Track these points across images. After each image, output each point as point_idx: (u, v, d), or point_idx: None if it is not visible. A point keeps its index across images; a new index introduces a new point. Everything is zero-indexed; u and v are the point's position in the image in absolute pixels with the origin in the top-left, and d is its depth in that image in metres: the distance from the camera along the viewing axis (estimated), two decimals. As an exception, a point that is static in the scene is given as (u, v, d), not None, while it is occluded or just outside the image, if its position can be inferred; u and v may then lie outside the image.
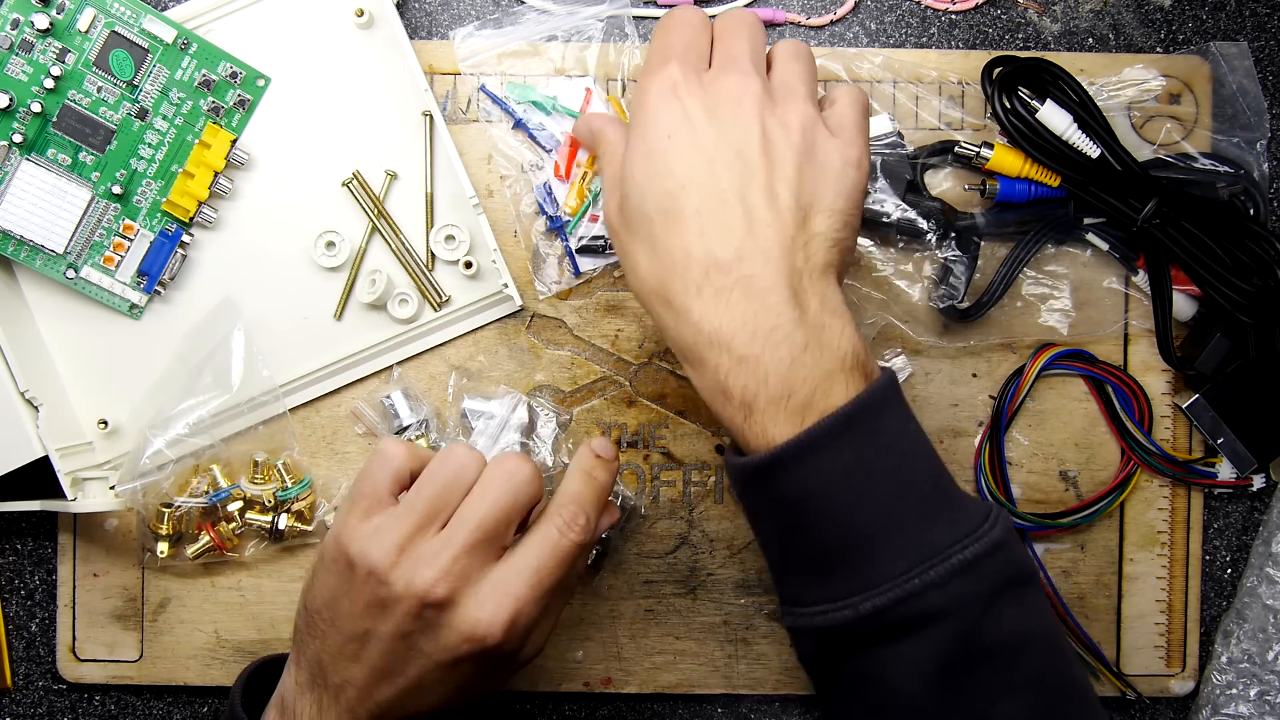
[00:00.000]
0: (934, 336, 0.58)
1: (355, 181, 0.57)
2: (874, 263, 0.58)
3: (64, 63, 0.51)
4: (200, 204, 0.55)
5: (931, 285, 0.58)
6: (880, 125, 0.57)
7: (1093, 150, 0.55)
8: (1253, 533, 0.60)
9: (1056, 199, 0.56)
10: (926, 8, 0.60)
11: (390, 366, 0.59)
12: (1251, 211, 0.57)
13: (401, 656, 0.45)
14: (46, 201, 0.52)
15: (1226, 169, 0.57)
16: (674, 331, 0.45)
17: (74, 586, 0.59)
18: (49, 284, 0.57)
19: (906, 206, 0.56)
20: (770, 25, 0.60)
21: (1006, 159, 0.56)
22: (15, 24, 0.51)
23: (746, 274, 0.43)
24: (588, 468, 0.50)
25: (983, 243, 0.57)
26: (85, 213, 0.53)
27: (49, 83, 0.51)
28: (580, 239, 0.58)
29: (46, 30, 0.51)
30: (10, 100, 0.51)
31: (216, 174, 0.55)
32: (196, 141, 0.55)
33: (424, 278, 0.58)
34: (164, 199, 0.55)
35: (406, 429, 0.57)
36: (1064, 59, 0.58)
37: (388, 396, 0.58)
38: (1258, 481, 0.59)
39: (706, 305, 0.44)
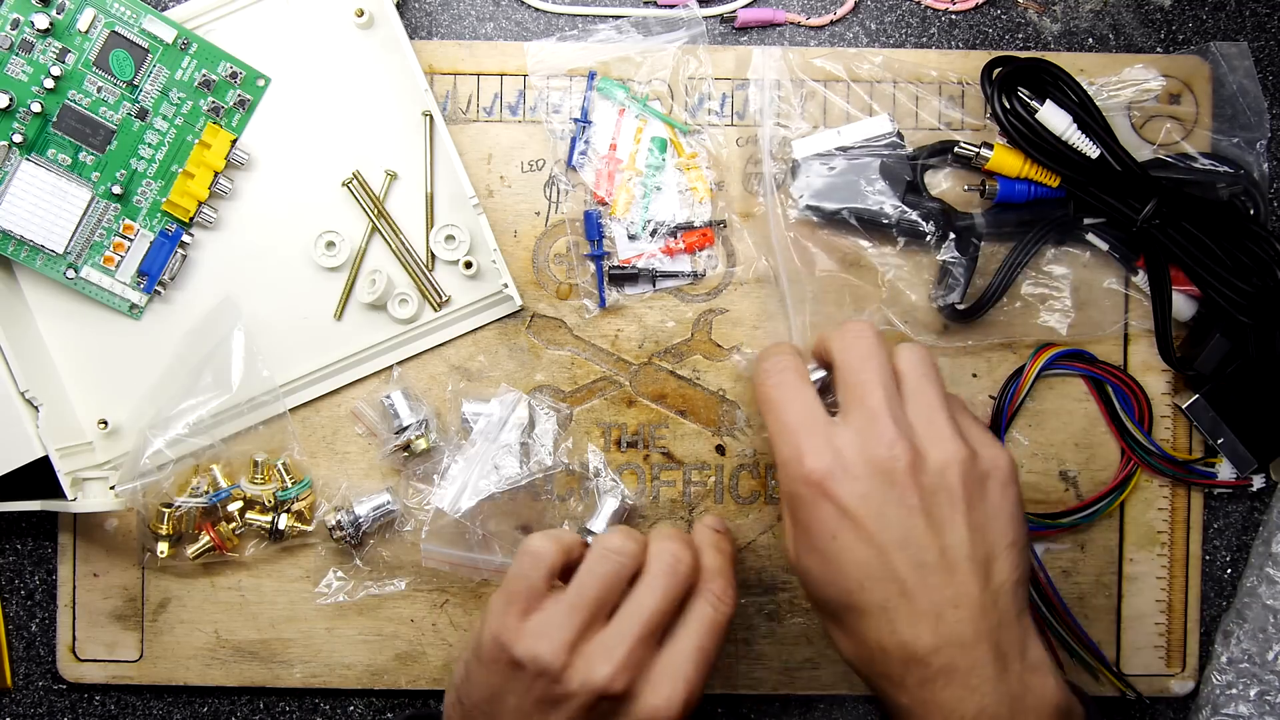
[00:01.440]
0: (933, 336, 0.58)
1: (355, 181, 0.57)
2: (873, 263, 0.58)
3: (64, 63, 0.52)
4: (200, 204, 0.55)
5: (931, 286, 0.58)
6: (880, 125, 0.57)
7: (1092, 150, 0.55)
8: (1253, 533, 0.60)
9: (1056, 199, 0.56)
10: (926, 8, 0.60)
11: (390, 366, 0.59)
12: (1251, 211, 0.57)
13: None
14: (46, 201, 0.52)
15: (1226, 169, 0.57)
16: (883, 701, 0.47)
17: (74, 586, 0.59)
18: (49, 284, 0.57)
19: (906, 207, 0.56)
20: (770, 25, 0.60)
21: (1006, 159, 0.56)
22: (15, 24, 0.51)
23: (946, 664, 0.44)
24: (713, 542, 0.51)
25: (982, 244, 0.57)
26: (85, 213, 0.53)
27: (49, 83, 0.51)
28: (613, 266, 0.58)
29: (46, 30, 0.51)
30: (10, 100, 0.51)
31: (216, 174, 0.55)
32: (196, 141, 0.55)
33: (424, 278, 0.58)
34: (164, 199, 0.55)
35: (406, 429, 0.57)
36: (1064, 59, 0.58)
37: (387, 396, 0.58)
38: (1257, 481, 0.59)
39: (913, 694, 0.44)
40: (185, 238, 0.56)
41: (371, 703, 0.61)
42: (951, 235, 0.57)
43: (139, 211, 0.55)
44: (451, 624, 0.59)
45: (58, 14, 0.52)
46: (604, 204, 0.58)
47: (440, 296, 0.58)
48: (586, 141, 0.58)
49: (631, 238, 0.58)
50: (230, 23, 0.56)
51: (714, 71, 0.58)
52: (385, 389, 0.58)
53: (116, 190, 0.54)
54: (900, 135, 0.57)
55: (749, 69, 0.58)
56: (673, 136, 0.58)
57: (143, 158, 0.54)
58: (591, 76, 0.58)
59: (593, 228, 0.58)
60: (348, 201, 0.58)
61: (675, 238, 0.58)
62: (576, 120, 0.58)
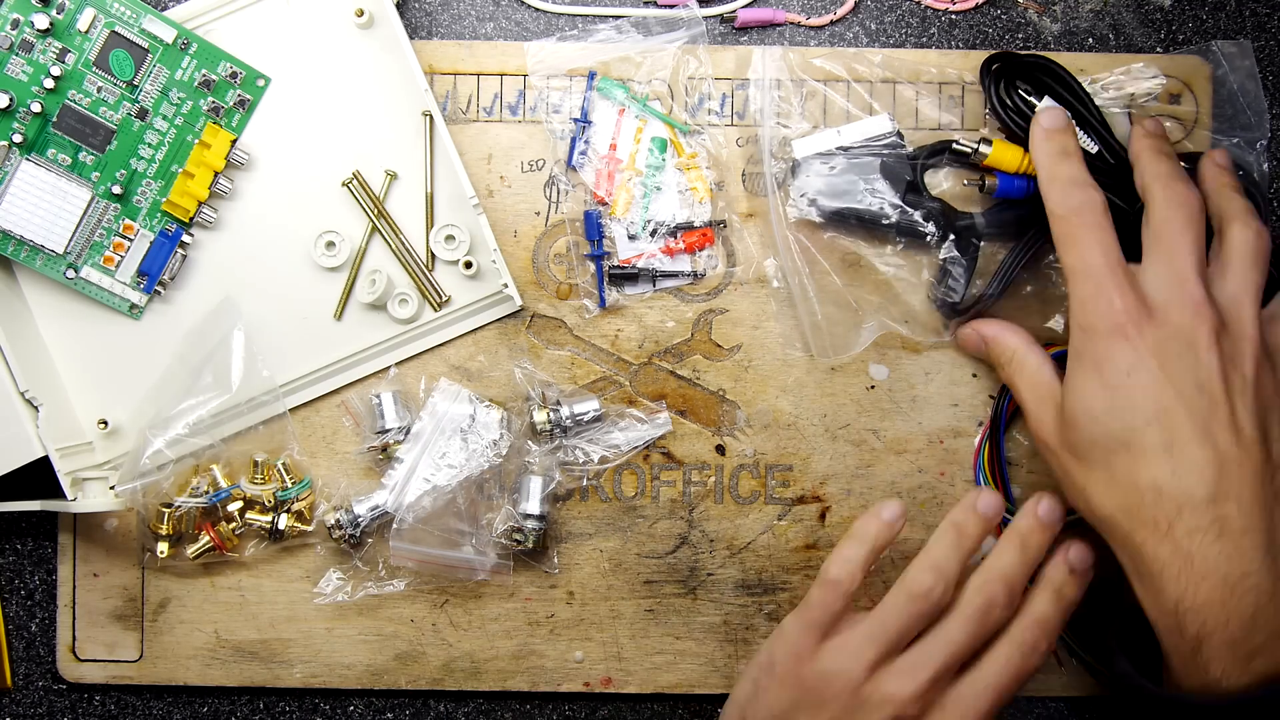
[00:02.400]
0: (934, 336, 0.58)
1: (355, 181, 0.57)
2: (874, 264, 0.58)
3: (64, 63, 0.52)
4: (200, 204, 0.55)
5: (931, 285, 0.58)
6: (880, 125, 0.57)
7: (1090, 146, 0.55)
8: (1253, 533, 0.60)
9: None
10: (926, 8, 0.60)
11: (389, 367, 0.59)
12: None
13: None
14: (46, 201, 0.52)
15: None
16: (1135, 555, 0.46)
17: (74, 586, 0.59)
18: (49, 284, 0.57)
19: (906, 207, 0.56)
20: (770, 25, 0.60)
21: (1005, 154, 0.56)
22: (15, 24, 0.51)
23: (1222, 514, 0.44)
24: (1057, 586, 0.51)
25: (982, 243, 0.57)
26: (85, 213, 0.53)
27: (49, 83, 0.52)
28: (613, 266, 0.58)
29: (46, 30, 0.51)
30: (10, 100, 0.51)
31: (216, 174, 0.55)
32: (196, 142, 0.55)
33: (424, 278, 0.58)
34: (164, 199, 0.55)
35: (387, 431, 0.57)
36: (1064, 59, 0.58)
37: (377, 395, 0.57)
38: None
39: (1178, 543, 0.44)
40: (185, 238, 0.56)
41: (371, 703, 0.61)
42: (951, 235, 0.57)
43: (139, 211, 0.55)
44: (451, 624, 0.59)
45: (58, 14, 0.52)
46: (604, 204, 0.58)
47: (440, 296, 0.58)
48: (586, 141, 0.58)
49: (631, 238, 0.58)
50: (230, 23, 0.56)
51: (714, 71, 0.58)
52: (383, 388, 0.58)
53: (116, 190, 0.54)
54: (900, 135, 0.57)
55: (749, 69, 0.58)
56: (673, 136, 0.58)
57: (143, 157, 0.54)
58: (591, 76, 0.58)
59: (593, 228, 0.58)
60: (348, 201, 0.58)
61: (675, 238, 0.58)
62: (576, 120, 0.58)
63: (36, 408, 0.54)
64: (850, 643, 0.48)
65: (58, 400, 0.57)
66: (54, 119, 0.52)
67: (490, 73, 0.59)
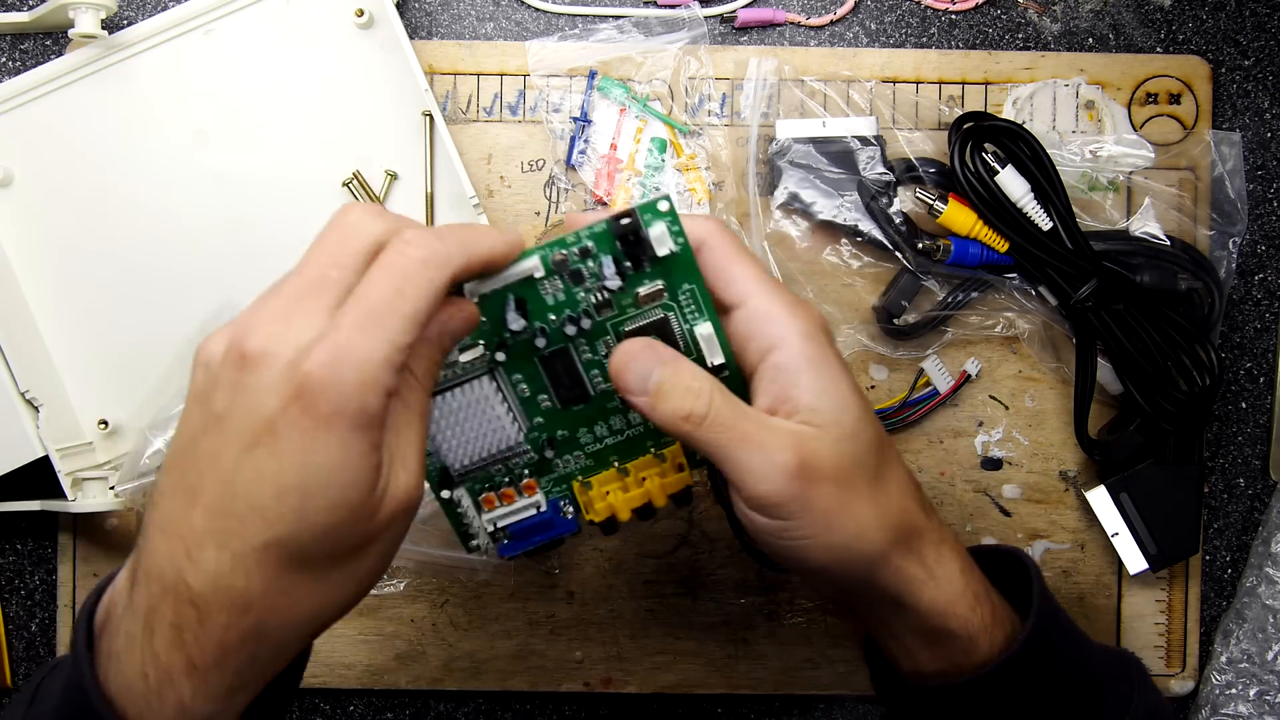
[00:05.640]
0: (889, 347, 0.58)
1: (355, 181, 0.57)
2: (839, 275, 0.58)
3: (596, 317, 0.43)
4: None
5: (879, 297, 0.58)
6: (865, 126, 0.57)
7: (1045, 222, 0.55)
8: (1252, 532, 0.60)
9: (1004, 265, 0.56)
10: (926, 8, 0.60)
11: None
12: (1206, 311, 0.56)
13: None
14: (474, 418, 0.44)
15: (1191, 256, 0.56)
16: (914, 584, 0.42)
17: (74, 586, 0.59)
18: (49, 284, 0.57)
19: (876, 220, 0.56)
20: (770, 25, 0.60)
21: (958, 216, 0.55)
22: (585, 254, 0.41)
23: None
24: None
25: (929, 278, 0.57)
26: (501, 449, 0.45)
27: (571, 328, 0.43)
28: None
29: (611, 286, 0.42)
30: (524, 314, 0.42)
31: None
32: (651, 449, 0.46)
33: (424, 278, 0.58)
34: (579, 480, 0.46)
35: None
36: (1064, 59, 0.58)
37: None
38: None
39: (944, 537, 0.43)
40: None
41: (371, 703, 0.61)
42: (910, 252, 0.56)
43: (550, 476, 0.46)
44: (451, 624, 0.59)
45: (620, 279, 0.42)
46: (603, 204, 0.58)
47: (440, 297, 0.58)
48: (586, 141, 0.58)
49: None
50: (230, 23, 0.56)
51: (714, 72, 0.58)
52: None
53: (549, 452, 0.45)
54: (880, 140, 0.57)
55: (747, 72, 0.58)
56: (672, 137, 0.58)
57: (591, 434, 0.46)
58: (592, 76, 0.58)
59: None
60: (348, 202, 0.58)
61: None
62: (576, 120, 0.58)
63: (36, 408, 0.54)
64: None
65: (58, 400, 0.57)
66: (545, 354, 0.43)
67: (490, 73, 0.59)
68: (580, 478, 0.45)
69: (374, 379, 0.34)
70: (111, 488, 0.56)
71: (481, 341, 0.42)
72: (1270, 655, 0.58)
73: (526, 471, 0.45)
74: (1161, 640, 0.60)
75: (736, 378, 0.43)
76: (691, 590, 0.59)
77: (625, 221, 0.40)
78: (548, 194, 0.59)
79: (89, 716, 0.35)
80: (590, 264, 0.41)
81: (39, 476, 0.55)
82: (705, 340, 0.42)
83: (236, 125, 0.57)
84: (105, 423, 0.58)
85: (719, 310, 0.42)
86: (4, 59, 0.60)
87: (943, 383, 0.58)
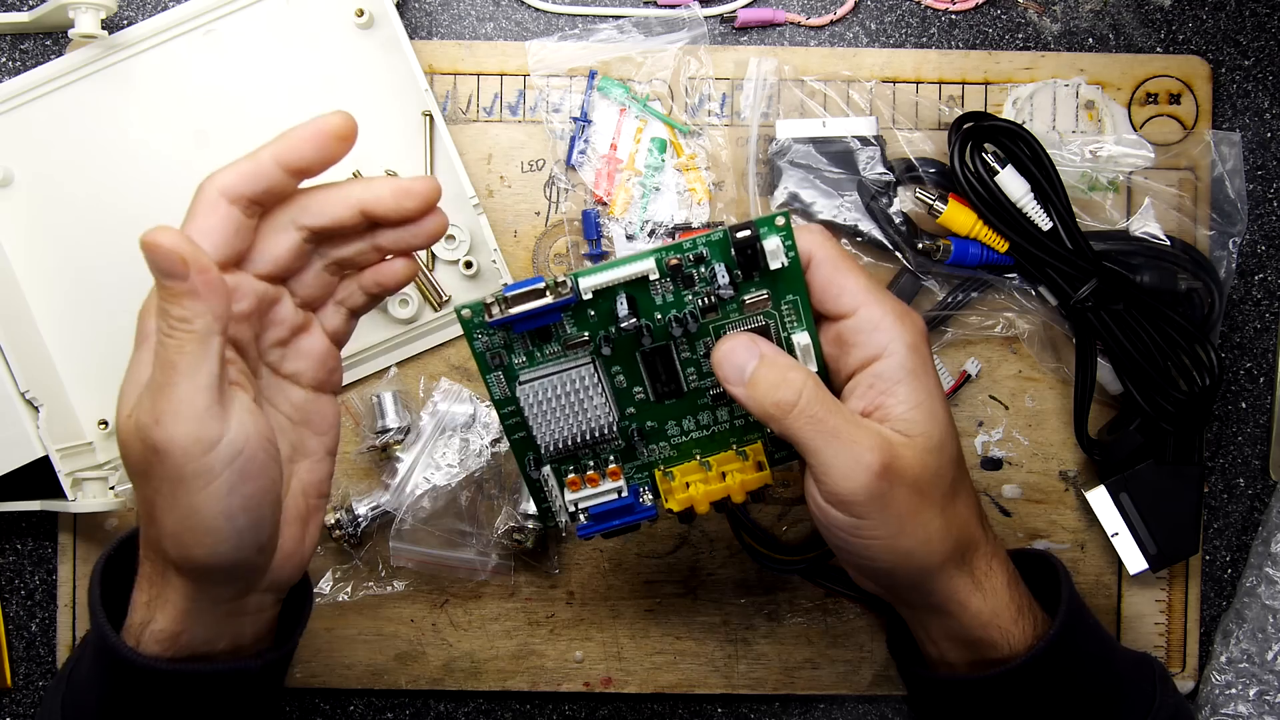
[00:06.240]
0: None
1: (355, 181, 0.57)
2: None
3: (701, 320, 0.44)
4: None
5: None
6: (864, 126, 0.57)
7: (1044, 222, 0.55)
8: (1252, 532, 0.60)
9: (1004, 265, 0.56)
10: (926, 8, 0.60)
11: (389, 367, 0.59)
12: (1206, 311, 0.56)
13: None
14: (568, 402, 0.45)
15: (1191, 256, 0.56)
16: (963, 594, 0.44)
17: (74, 586, 0.59)
18: (49, 284, 0.57)
19: (876, 220, 0.56)
20: (770, 25, 0.60)
21: (958, 217, 0.55)
22: (699, 259, 0.43)
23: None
24: None
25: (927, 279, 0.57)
26: (589, 433, 0.46)
27: (676, 329, 0.44)
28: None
29: (722, 295, 0.44)
30: (634, 310, 0.43)
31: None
32: (733, 445, 0.47)
33: (424, 278, 0.58)
34: (660, 469, 0.47)
35: (388, 431, 0.57)
36: (1064, 59, 0.58)
37: (377, 395, 0.57)
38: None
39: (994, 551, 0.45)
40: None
41: (371, 703, 0.61)
42: (910, 251, 0.56)
43: (634, 464, 0.48)
44: (451, 624, 0.59)
45: (733, 282, 0.44)
46: (603, 204, 0.58)
47: (440, 296, 0.58)
48: (586, 141, 0.58)
49: (629, 238, 0.58)
50: (230, 23, 0.56)
51: (714, 72, 0.58)
52: (384, 388, 0.58)
53: (636, 438, 0.47)
54: (880, 140, 0.57)
55: (747, 72, 0.58)
56: (672, 137, 0.58)
57: (679, 427, 0.47)
58: (592, 76, 0.58)
59: (592, 228, 0.58)
60: (348, 201, 0.58)
61: (673, 238, 0.58)
62: (576, 119, 0.58)
63: (37, 408, 0.54)
64: None
65: (58, 400, 0.57)
66: (646, 349, 0.45)
67: (490, 73, 0.59)
68: (663, 467, 0.47)
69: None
70: (111, 488, 0.56)
71: (587, 333, 0.44)
72: (1270, 655, 0.58)
73: (612, 458, 0.46)
74: (1161, 640, 0.60)
75: (828, 387, 0.44)
76: (691, 590, 0.59)
77: (744, 234, 0.42)
78: (548, 194, 0.59)
79: (105, 646, 0.41)
80: (702, 270, 0.43)
81: (39, 476, 0.55)
82: (803, 350, 0.44)
83: (236, 125, 0.57)
84: (105, 423, 0.58)
85: (826, 318, 0.44)
86: (4, 59, 0.60)
87: (943, 383, 0.58)
